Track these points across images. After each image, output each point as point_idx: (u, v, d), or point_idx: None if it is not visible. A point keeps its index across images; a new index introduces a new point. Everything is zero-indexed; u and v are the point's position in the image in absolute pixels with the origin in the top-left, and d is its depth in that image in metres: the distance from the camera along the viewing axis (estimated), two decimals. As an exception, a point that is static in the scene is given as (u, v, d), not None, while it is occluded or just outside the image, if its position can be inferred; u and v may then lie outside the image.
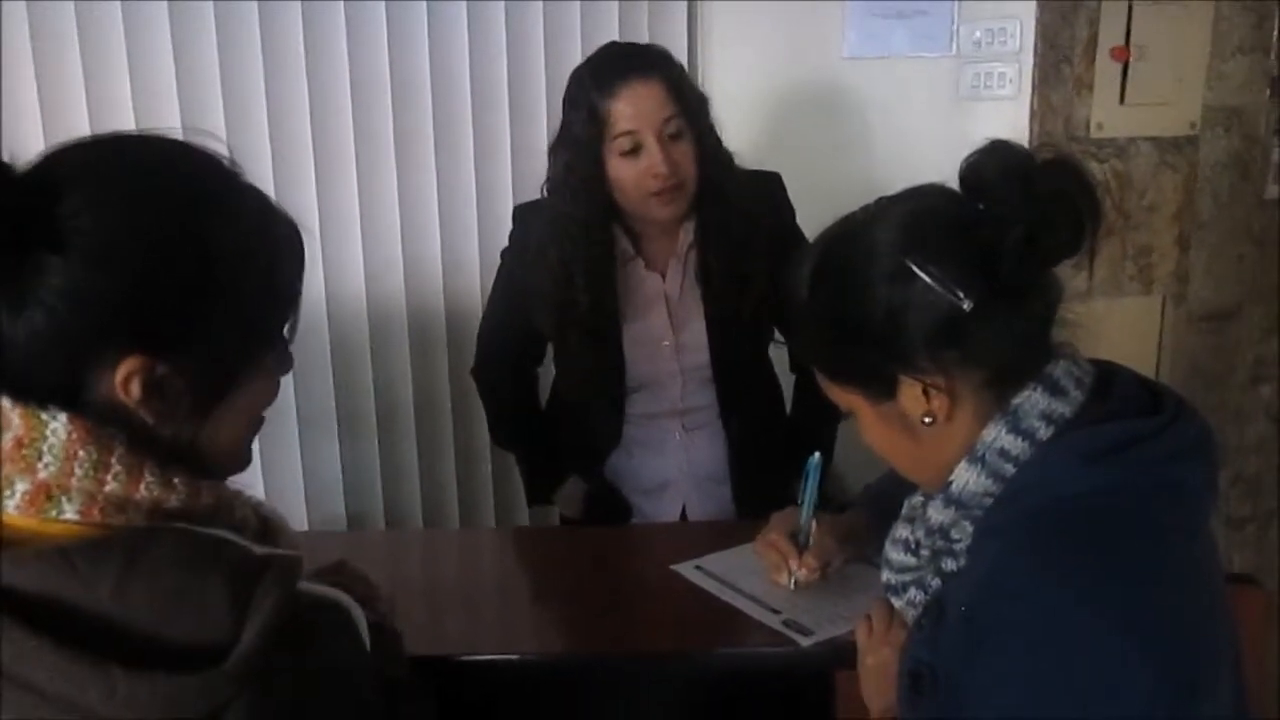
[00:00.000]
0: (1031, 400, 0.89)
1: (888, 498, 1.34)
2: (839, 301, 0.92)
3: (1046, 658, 0.81)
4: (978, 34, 2.25)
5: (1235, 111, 2.35)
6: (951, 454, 0.92)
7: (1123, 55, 2.24)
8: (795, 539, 1.35)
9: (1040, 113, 2.26)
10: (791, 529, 1.36)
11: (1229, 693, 0.88)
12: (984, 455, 0.90)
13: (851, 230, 0.94)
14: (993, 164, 0.88)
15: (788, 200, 1.75)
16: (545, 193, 1.67)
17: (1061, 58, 2.25)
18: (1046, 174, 0.87)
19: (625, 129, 1.54)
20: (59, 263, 0.69)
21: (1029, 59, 2.25)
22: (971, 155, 0.89)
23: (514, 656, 1.27)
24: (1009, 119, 2.26)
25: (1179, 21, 2.25)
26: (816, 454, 1.36)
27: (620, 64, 1.58)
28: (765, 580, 1.35)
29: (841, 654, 1.15)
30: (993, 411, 0.90)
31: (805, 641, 1.22)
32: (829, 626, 1.25)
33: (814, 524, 1.35)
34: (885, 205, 0.94)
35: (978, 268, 0.85)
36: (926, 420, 0.91)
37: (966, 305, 0.85)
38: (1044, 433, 0.88)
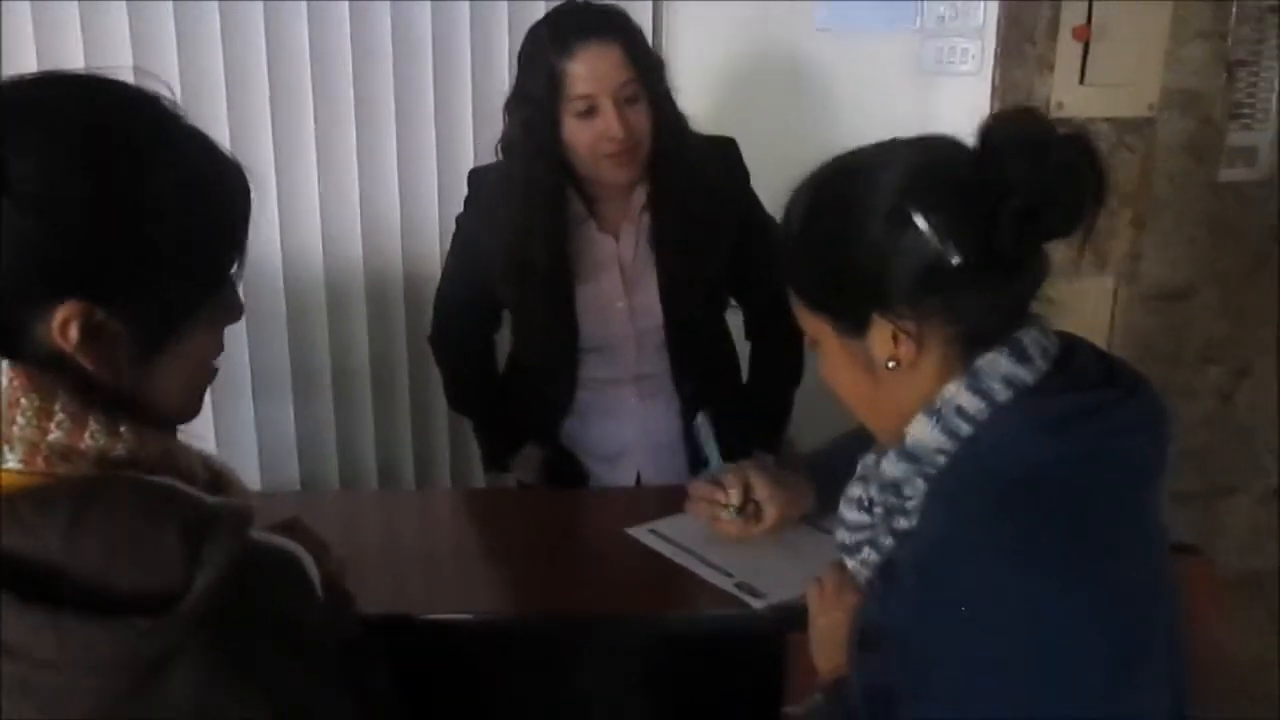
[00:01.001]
0: (995, 363, 0.89)
1: (833, 465, 1.35)
2: (831, 230, 0.92)
3: (995, 625, 0.82)
4: (942, 9, 2.26)
5: (1192, 94, 2.38)
6: (907, 404, 0.93)
7: (1084, 35, 2.26)
8: (715, 484, 1.39)
9: (1002, 90, 2.28)
10: (708, 478, 1.41)
11: (1167, 663, 0.90)
12: (940, 409, 0.90)
13: (857, 164, 0.93)
14: (1011, 129, 0.87)
15: (743, 165, 1.75)
16: (500, 151, 1.66)
17: (1024, 35, 2.26)
18: (1061, 147, 0.86)
19: (582, 91, 1.53)
20: None
21: (992, 35, 2.27)
22: (994, 115, 0.89)
23: (468, 616, 1.27)
24: (971, 95, 2.27)
25: (1140, 3, 2.28)
26: (700, 414, 1.42)
27: (579, 25, 1.56)
28: (719, 545, 1.36)
29: (793, 617, 1.16)
30: (956, 369, 0.91)
31: (757, 604, 1.24)
32: (781, 589, 1.26)
33: (727, 466, 1.40)
34: (896, 146, 0.93)
35: (974, 227, 0.85)
36: (890, 365, 0.91)
37: (954, 260, 0.85)
38: (1002, 396, 0.89)
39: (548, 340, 1.74)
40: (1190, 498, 2.61)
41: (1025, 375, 0.89)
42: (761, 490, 1.37)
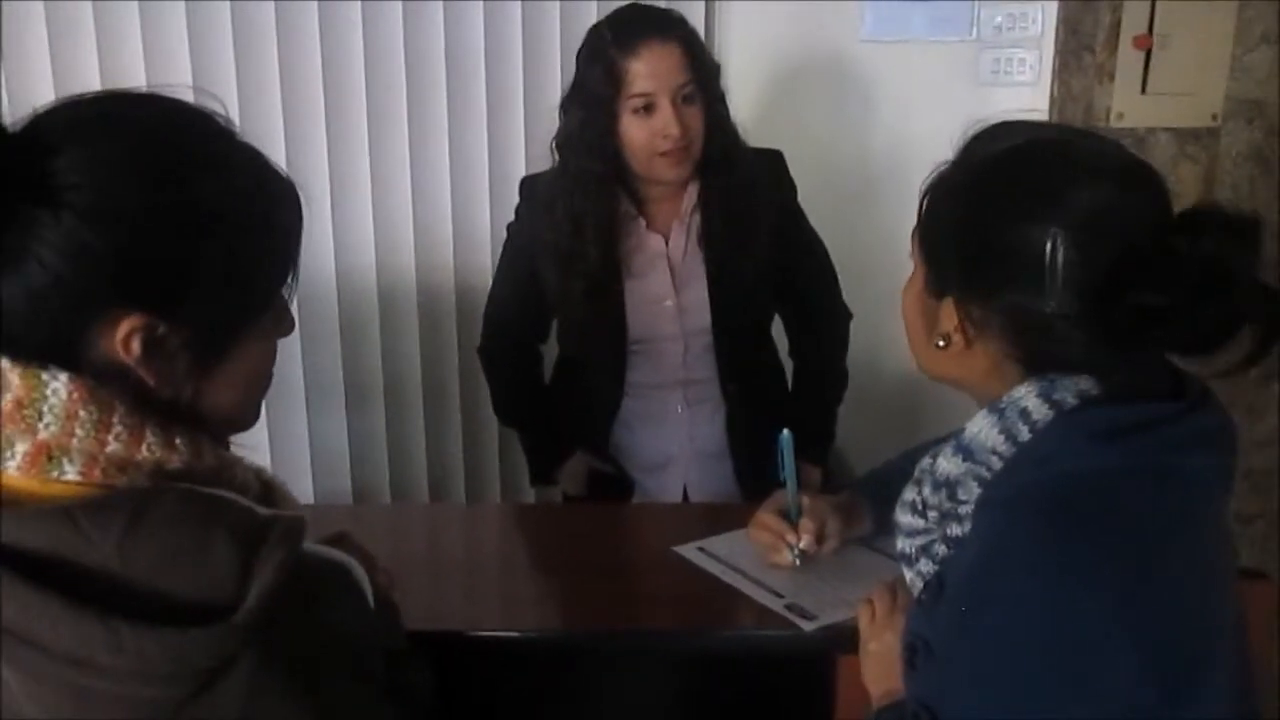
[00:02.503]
0: (1076, 382, 0.88)
1: (888, 485, 1.33)
2: (983, 198, 0.89)
3: (1035, 639, 0.81)
4: (999, 19, 2.23)
5: (1258, 104, 2.32)
6: (945, 367, 0.94)
7: (1145, 44, 2.21)
8: (787, 516, 1.34)
9: (1060, 100, 2.24)
10: (780, 507, 1.36)
11: (1225, 688, 0.87)
12: (1005, 409, 0.89)
13: (1060, 156, 0.88)
14: (1219, 223, 0.83)
15: (790, 178, 1.76)
16: (554, 149, 1.68)
17: (1083, 45, 2.22)
18: (1251, 292, 0.80)
19: (641, 89, 1.57)
20: (55, 219, 0.69)
21: (1050, 45, 2.23)
22: (1209, 206, 0.84)
23: (515, 633, 1.27)
24: (1028, 106, 2.23)
25: (1203, 11, 2.22)
26: (786, 430, 1.36)
27: (641, 24, 1.60)
28: (768, 564, 1.34)
29: (844, 638, 1.14)
30: (1010, 376, 0.89)
31: (808, 626, 1.22)
32: (832, 611, 1.24)
33: (803, 497, 1.34)
34: (1107, 161, 0.88)
35: (1102, 290, 0.82)
36: (940, 343, 0.92)
37: (1052, 310, 0.83)
38: (1070, 404, 0.88)
39: (596, 336, 1.74)
40: (1254, 519, 2.53)
41: (1094, 388, 0.88)
42: (833, 528, 1.34)
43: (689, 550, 1.40)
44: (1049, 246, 0.83)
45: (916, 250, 0.96)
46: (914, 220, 0.96)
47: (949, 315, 0.91)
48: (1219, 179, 2.34)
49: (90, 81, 1.97)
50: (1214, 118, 2.30)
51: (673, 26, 1.61)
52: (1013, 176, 0.88)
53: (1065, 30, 2.21)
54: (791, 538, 1.32)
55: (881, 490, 1.35)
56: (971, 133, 0.93)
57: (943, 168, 0.93)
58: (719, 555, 1.38)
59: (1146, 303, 0.81)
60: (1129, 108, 2.25)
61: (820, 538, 1.33)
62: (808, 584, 1.30)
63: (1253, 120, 2.33)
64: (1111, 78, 2.24)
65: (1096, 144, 0.91)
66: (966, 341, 0.90)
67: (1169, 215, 0.85)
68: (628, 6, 1.68)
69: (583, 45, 1.64)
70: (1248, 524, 2.51)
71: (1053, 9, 2.21)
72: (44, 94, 1.95)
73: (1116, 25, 2.21)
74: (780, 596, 1.28)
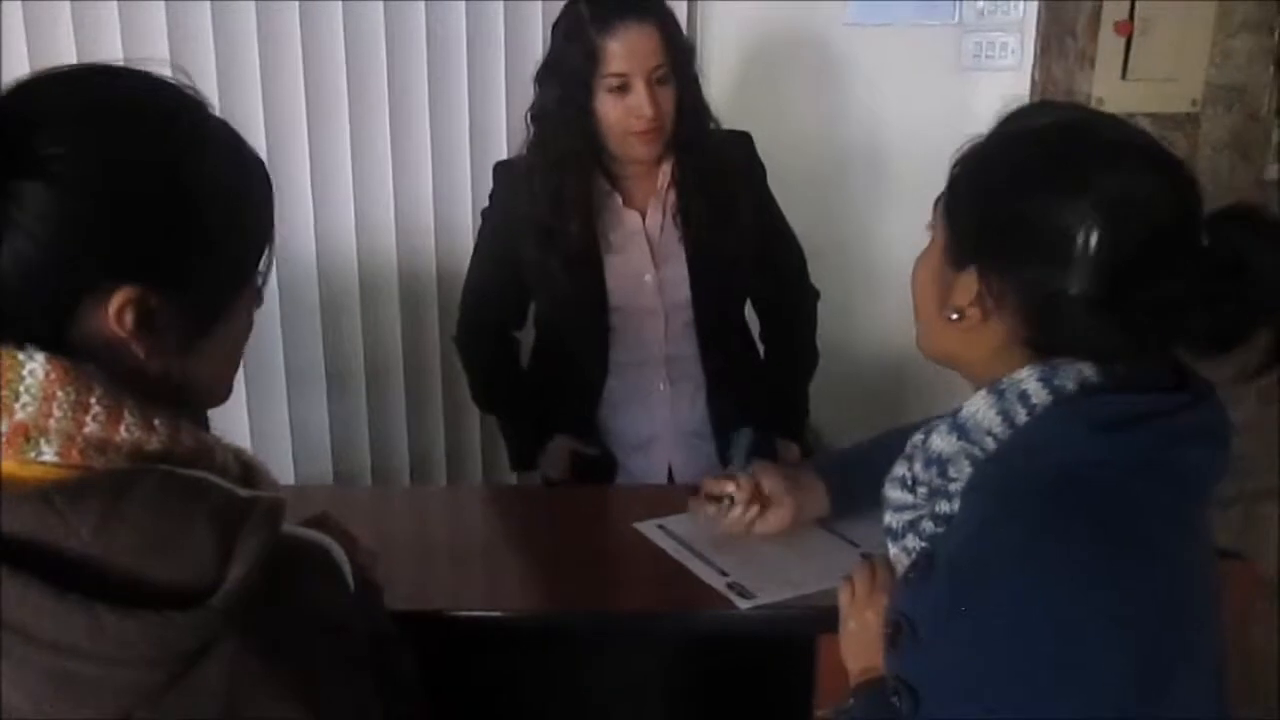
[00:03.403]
0: (1078, 369, 0.88)
1: (850, 468, 1.34)
2: (1021, 172, 0.88)
3: (1025, 628, 0.81)
4: (981, 4, 2.23)
5: (1238, 89, 2.33)
6: (948, 347, 0.94)
7: (1127, 29, 2.22)
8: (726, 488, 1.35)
9: (1042, 85, 2.25)
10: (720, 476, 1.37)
11: (1208, 681, 0.88)
12: (1004, 390, 0.89)
13: (1095, 138, 0.88)
14: (1249, 221, 0.83)
15: (759, 160, 1.78)
16: (529, 121, 1.69)
17: (1065, 30, 2.23)
18: (1271, 285, 0.81)
19: (617, 69, 1.59)
20: (41, 189, 0.68)
21: (1031, 30, 2.24)
22: (1241, 208, 0.85)
23: (497, 613, 1.27)
24: (1010, 90, 2.24)
25: (1184, -4, 2.23)
26: (748, 429, 1.40)
27: (619, 5, 1.60)
28: (724, 544, 1.34)
29: (824, 617, 1.15)
30: (1015, 359, 0.90)
31: (745, 605, 1.22)
32: (773, 590, 1.24)
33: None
34: (1143, 149, 0.88)
35: (1125, 274, 0.82)
36: (953, 315, 0.91)
37: (1073, 290, 0.83)
38: (1070, 391, 0.88)
39: (577, 313, 1.75)
40: (1231, 502, 2.56)
41: (1095, 376, 0.88)
42: (772, 486, 1.34)
43: (648, 527, 1.40)
44: (1081, 223, 0.82)
45: (939, 219, 0.95)
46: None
47: (965, 287, 0.90)
48: (1199, 165, 2.35)
49: (66, 52, 1.94)
50: (1194, 103, 2.31)
51: (650, 8, 1.62)
52: (1050, 150, 0.88)
53: (1047, 15, 2.22)
54: (729, 487, 1.32)
55: (843, 472, 1.36)
56: (1008, 109, 0.93)
57: (976, 140, 0.93)
58: (675, 533, 1.38)
59: (1167, 292, 0.81)
60: (1110, 93, 2.26)
61: (760, 496, 1.32)
62: (755, 563, 1.30)
63: (1232, 106, 2.34)
64: (1093, 63, 2.24)
65: (1132, 130, 0.91)
66: (984, 314, 0.89)
67: (1199, 207, 0.86)
68: None
69: (559, 19, 1.65)
70: (1226, 508, 2.54)
71: (1035, -6, 2.22)
72: (17, 66, 1.91)
73: (1098, 11, 2.22)
74: (725, 575, 1.28)
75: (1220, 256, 0.82)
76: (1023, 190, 0.87)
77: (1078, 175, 0.85)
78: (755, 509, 1.32)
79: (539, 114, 1.68)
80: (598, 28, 1.58)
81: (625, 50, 1.58)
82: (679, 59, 1.63)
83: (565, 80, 1.62)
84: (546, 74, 1.66)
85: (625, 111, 1.60)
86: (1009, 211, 0.87)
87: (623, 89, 1.59)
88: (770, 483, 1.34)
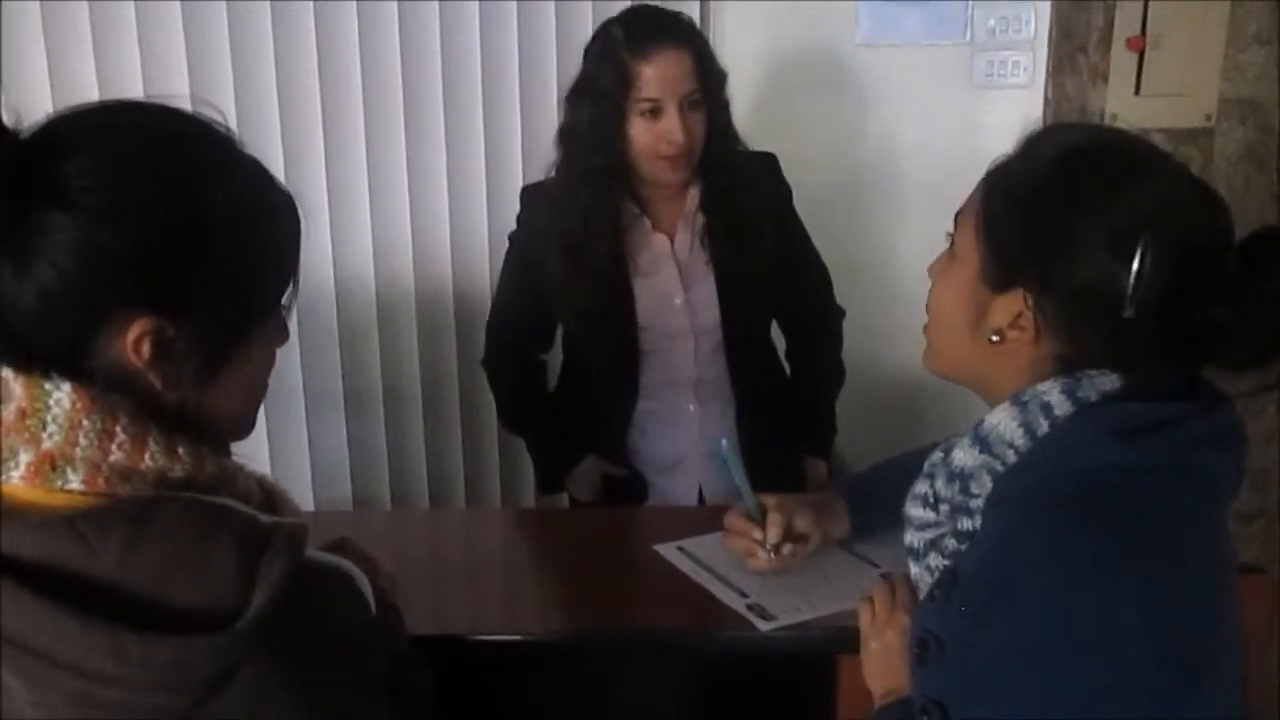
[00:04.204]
0: (1101, 381, 0.88)
1: (869, 489, 1.33)
2: (1065, 192, 0.87)
3: (1054, 631, 0.81)
4: (992, 21, 2.24)
5: (1251, 103, 2.33)
6: (975, 367, 0.93)
7: (1138, 45, 2.22)
8: (751, 519, 1.33)
9: (1055, 102, 2.25)
10: (743, 512, 1.34)
11: (1229, 686, 0.88)
12: (1027, 403, 0.89)
13: (1133, 154, 0.89)
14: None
15: (785, 181, 1.79)
16: (559, 141, 1.70)
17: (1076, 46, 2.23)
18: None
19: (650, 94, 1.59)
20: (66, 220, 0.69)
21: (1044, 47, 2.24)
22: (1273, 231, 0.85)
23: (516, 636, 1.27)
24: (1023, 108, 2.25)
25: (1196, 11, 2.23)
26: (724, 439, 1.36)
27: (655, 29, 1.61)
28: (750, 569, 1.33)
29: (846, 638, 1.14)
30: (1045, 372, 0.89)
31: (765, 626, 1.22)
32: (793, 612, 1.24)
33: (767, 496, 1.33)
34: (1181, 173, 0.89)
35: (1169, 301, 0.82)
36: (994, 337, 0.90)
37: (1124, 308, 0.83)
38: (1092, 400, 0.88)
39: (607, 336, 1.75)
40: (1253, 517, 2.53)
41: (1114, 385, 0.88)
42: (803, 523, 1.33)
43: (668, 549, 1.40)
44: (1131, 239, 0.82)
45: (973, 240, 0.93)
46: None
47: (1005, 309, 0.89)
48: (1213, 179, 2.35)
49: (88, 90, 1.98)
50: (1208, 118, 2.31)
51: (685, 34, 1.63)
52: (1096, 167, 0.88)
53: (1058, 32, 2.22)
54: (759, 534, 1.31)
55: (863, 493, 1.35)
56: (1034, 129, 0.93)
57: (1007, 158, 0.93)
58: (695, 555, 1.38)
59: (1212, 312, 0.82)
60: (1123, 109, 2.26)
61: (790, 534, 1.31)
62: (776, 585, 1.29)
63: (1246, 120, 2.34)
64: (1105, 79, 2.25)
65: (1159, 149, 0.91)
66: (1030, 334, 0.89)
67: (1232, 225, 0.87)
68: (640, 7, 1.71)
69: (592, 41, 1.66)
70: (1248, 522, 2.51)
71: (1045, 11, 2.23)
72: (41, 103, 1.95)
73: (1109, 26, 2.22)
74: (745, 596, 1.28)
75: (1268, 280, 0.82)
76: (1072, 209, 0.86)
77: (1126, 190, 0.85)
78: (786, 548, 1.31)
79: (569, 134, 1.68)
80: (632, 51, 1.59)
81: (658, 75, 1.58)
82: (711, 85, 1.64)
83: (597, 101, 1.62)
84: (578, 94, 1.66)
85: (656, 136, 1.61)
86: (1058, 231, 0.87)
87: (654, 113, 1.60)
88: (801, 520, 1.33)
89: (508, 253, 1.83)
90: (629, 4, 2.10)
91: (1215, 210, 0.87)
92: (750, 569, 1.32)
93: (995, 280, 0.91)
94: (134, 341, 0.72)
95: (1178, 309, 0.83)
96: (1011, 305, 0.89)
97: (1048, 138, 0.92)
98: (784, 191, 1.78)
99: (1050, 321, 0.88)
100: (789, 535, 1.31)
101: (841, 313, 1.90)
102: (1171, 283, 0.83)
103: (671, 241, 1.74)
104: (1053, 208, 0.87)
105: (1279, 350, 0.83)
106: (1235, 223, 0.88)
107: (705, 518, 1.46)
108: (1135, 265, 0.82)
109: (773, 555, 1.30)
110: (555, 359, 1.93)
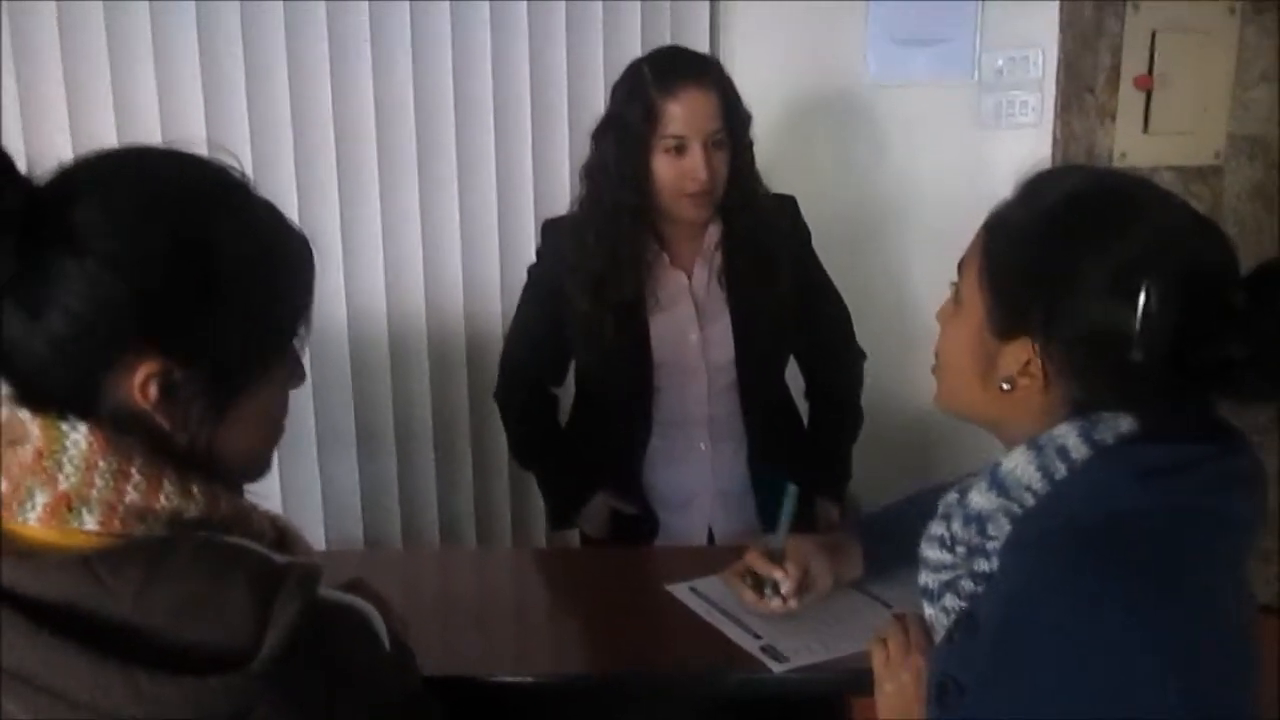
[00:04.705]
0: (1117, 422, 0.88)
1: (884, 528, 1.33)
2: (1064, 236, 0.87)
3: (1077, 675, 0.80)
4: (1000, 62, 2.26)
5: (1259, 141, 2.34)
6: (990, 412, 0.93)
7: (1146, 84, 2.24)
8: (770, 558, 1.32)
9: (1063, 141, 2.26)
10: (763, 551, 1.33)
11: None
12: (1044, 447, 0.89)
13: (1134, 196, 0.89)
14: None
15: (804, 223, 1.80)
16: (584, 176, 1.72)
17: (1084, 86, 2.25)
18: None
19: (676, 131, 1.61)
20: (78, 267, 0.70)
21: (1051, 87, 2.26)
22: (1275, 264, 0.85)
23: (529, 678, 1.26)
24: (1031, 147, 2.26)
25: (1203, 50, 2.25)
26: (792, 485, 1.36)
27: (683, 68, 1.64)
28: (754, 610, 1.32)
29: (859, 679, 1.13)
30: (1057, 415, 0.89)
31: (778, 668, 1.21)
32: (806, 653, 1.23)
33: (787, 539, 1.32)
34: (1183, 212, 0.88)
35: (1177, 338, 0.82)
36: (1004, 385, 0.90)
37: (1134, 349, 0.83)
38: (1109, 443, 0.87)
39: (622, 369, 1.75)
40: (1268, 556, 2.51)
41: (1132, 427, 0.87)
42: (818, 567, 1.33)
43: (680, 590, 1.39)
44: (1138, 282, 0.82)
45: (977, 288, 0.93)
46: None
47: (1014, 356, 0.89)
48: (1223, 217, 2.35)
49: (106, 134, 2.01)
50: (1216, 155, 2.32)
51: (712, 75, 1.65)
52: (1096, 213, 0.87)
53: (1065, 72, 2.24)
54: (779, 574, 1.30)
55: (877, 534, 1.35)
56: (1031, 174, 0.93)
57: (1005, 205, 0.93)
58: (708, 595, 1.38)
59: (1225, 352, 0.81)
60: (1132, 147, 2.28)
61: (805, 582, 1.31)
62: (789, 626, 1.29)
63: (1255, 158, 2.35)
64: (1113, 118, 2.26)
65: (1159, 187, 0.91)
66: (1045, 384, 0.88)
67: (1238, 264, 0.86)
68: (670, 48, 1.76)
69: (621, 80, 1.68)
70: (1265, 561, 2.49)
71: (1053, 51, 2.25)
72: (60, 149, 1.98)
73: (1116, 66, 2.24)
74: (758, 638, 1.27)
75: (1265, 311, 0.82)
76: (1073, 254, 0.86)
77: (1125, 231, 0.85)
78: (793, 602, 1.30)
79: (595, 169, 1.70)
80: (659, 88, 1.61)
81: (685, 113, 1.61)
82: (736, 125, 1.66)
83: (623, 137, 1.64)
84: (605, 131, 1.69)
85: (680, 173, 1.63)
86: (1060, 278, 0.86)
87: (679, 150, 1.62)
88: (816, 564, 1.33)
89: (526, 285, 1.84)
90: (640, 44, 2.15)
91: (1216, 243, 0.87)
92: (756, 610, 1.32)
93: (1001, 328, 0.91)
94: (141, 384, 0.73)
95: (1186, 346, 0.83)
96: (1019, 353, 0.89)
97: (1043, 183, 0.92)
98: (803, 233, 1.80)
99: (1059, 367, 0.88)
100: (803, 579, 1.31)
101: (862, 354, 1.90)
102: (1179, 320, 0.83)
103: (689, 278, 1.75)
104: (1053, 254, 0.87)
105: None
106: (1246, 260, 0.88)
107: (717, 558, 1.45)
108: (1140, 306, 0.82)
109: (775, 600, 1.29)
110: (567, 395, 1.93)
